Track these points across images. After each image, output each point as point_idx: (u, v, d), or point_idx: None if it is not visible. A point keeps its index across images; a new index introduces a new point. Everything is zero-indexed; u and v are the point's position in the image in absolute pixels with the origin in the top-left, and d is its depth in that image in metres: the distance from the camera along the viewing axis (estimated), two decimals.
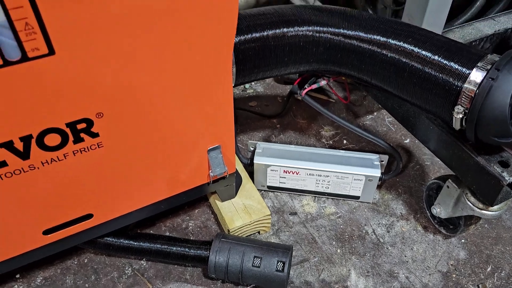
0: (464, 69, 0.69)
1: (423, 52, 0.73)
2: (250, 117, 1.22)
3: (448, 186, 0.84)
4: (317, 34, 0.80)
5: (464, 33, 1.05)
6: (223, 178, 0.83)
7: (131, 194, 0.75)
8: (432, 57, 0.72)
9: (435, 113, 0.76)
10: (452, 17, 1.18)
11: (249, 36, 0.76)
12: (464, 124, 0.70)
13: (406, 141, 1.16)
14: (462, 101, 0.69)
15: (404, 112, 0.91)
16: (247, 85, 1.33)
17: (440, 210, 0.88)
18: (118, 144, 0.65)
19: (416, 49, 0.74)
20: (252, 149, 0.99)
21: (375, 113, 1.23)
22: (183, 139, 0.72)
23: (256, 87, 1.32)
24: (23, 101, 0.53)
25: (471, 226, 0.89)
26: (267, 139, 1.16)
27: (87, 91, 0.56)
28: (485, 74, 0.67)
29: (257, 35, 0.77)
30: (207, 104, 0.69)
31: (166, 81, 0.62)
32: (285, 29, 0.79)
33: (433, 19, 0.91)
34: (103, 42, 0.53)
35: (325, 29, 0.80)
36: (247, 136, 1.17)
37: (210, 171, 0.80)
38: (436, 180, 0.91)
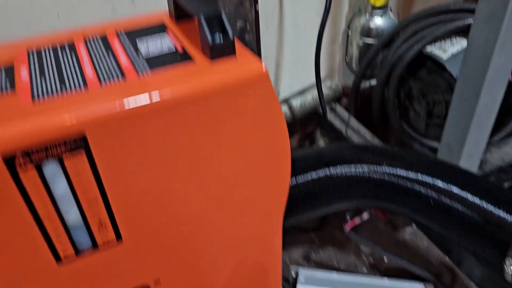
0: None
1: (470, 197, 0.74)
2: (288, 231, 1.23)
3: None
4: (360, 174, 0.82)
5: (502, 154, 1.06)
6: None
7: None
8: (480, 204, 0.73)
9: (484, 258, 0.75)
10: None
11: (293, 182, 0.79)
12: None
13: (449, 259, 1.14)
14: None
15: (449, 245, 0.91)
16: None
17: None
18: None
19: (463, 193, 0.75)
20: (294, 275, 0.99)
21: (415, 226, 1.22)
22: None
23: None
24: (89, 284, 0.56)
25: None
26: (306, 256, 1.16)
27: (148, 266, 0.59)
28: None
29: (301, 180, 0.80)
30: (262, 257, 0.71)
31: (226, 248, 0.64)
32: (328, 171, 0.82)
33: (473, 147, 0.94)
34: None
35: (368, 168, 0.83)
36: (286, 252, 1.17)
37: None
38: None
